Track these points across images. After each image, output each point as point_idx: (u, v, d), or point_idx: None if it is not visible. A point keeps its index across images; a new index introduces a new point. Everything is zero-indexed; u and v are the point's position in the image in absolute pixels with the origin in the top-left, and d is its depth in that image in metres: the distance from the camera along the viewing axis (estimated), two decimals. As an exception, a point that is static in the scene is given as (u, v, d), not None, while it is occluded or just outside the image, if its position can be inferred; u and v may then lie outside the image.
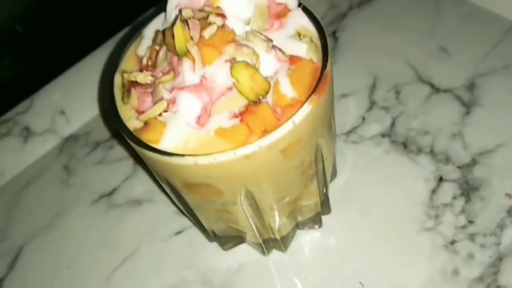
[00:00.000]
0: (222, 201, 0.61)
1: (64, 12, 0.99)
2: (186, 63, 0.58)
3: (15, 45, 0.96)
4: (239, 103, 0.57)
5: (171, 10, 0.63)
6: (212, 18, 0.58)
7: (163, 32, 0.61)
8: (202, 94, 0.58)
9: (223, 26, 0.58)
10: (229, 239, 0.74)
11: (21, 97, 1.00)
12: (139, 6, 1.03)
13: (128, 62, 0.66)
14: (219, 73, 0.58)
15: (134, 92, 0.62)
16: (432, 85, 0.86)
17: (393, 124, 0.83)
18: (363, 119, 0.85)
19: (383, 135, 0.82)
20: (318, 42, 0.61)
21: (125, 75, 0.62)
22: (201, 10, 0.60)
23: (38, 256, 0.81)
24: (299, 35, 0.62)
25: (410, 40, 0.93)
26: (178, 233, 0.80)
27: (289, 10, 0.64)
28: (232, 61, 0.58)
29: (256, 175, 0.57)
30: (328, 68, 0.58)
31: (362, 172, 0.79)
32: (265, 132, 0.55)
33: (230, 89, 0.58)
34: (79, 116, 0.98)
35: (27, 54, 0.98)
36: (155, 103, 0.60)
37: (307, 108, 0.55)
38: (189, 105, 0.58)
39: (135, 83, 0.62)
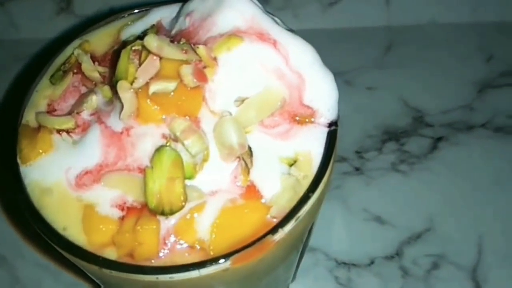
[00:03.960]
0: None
1: None
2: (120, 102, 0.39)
3: None
4: (137, 195, 0.39)
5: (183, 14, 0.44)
6: (185, 69, 0.38)
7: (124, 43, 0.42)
8: (111, 149, 0.40)
9: (195, 88, 0.39)
10: None
11: None
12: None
13: (99, 38, 0.48)
14: (144, 141, 0.39)
15: (70, 76, 0.45)
16: None
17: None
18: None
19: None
20: (303, 189, 0.40)
21: (78, 52, 0.45)
22: (187, 42, 0.40)
23: None
24: (292, 163, 0.41)
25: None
26: None
27: (312, 122, 0.42)
28: (169, 140, 0.39)
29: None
30: (278, 236, 0.37)
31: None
32: (131, 257, 0.38)
33: (141, 171, 0.39)
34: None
35: None
36: (70, 112, 0.43)
37: (203, 269, 0.36)
38: (90, 149, 0.40)
39: (79, 68, 0.45)
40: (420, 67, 0.80)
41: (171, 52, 0.38)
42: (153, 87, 0.37)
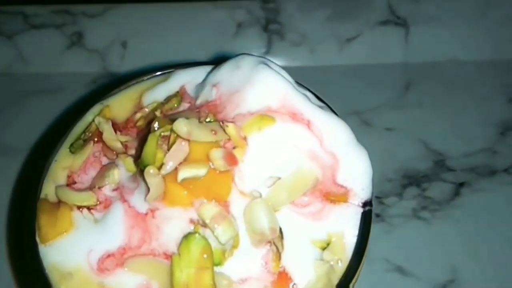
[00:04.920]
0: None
1: None
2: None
3: None
4: (163, 282, 0.37)
5: (207, 84, 0.42)
6: (216, 153, 0.36)
7: (148, 117, 0.40)
8: (135, 231, 0.38)
9: (225, 172, 0.37)
10: None
11: None
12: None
13: (120, 103, 0.46)
14: (171, 225, 0.37)
15: (91, 145, 0.43)
16: None
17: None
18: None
19: None
20: (338, 276, 0.38)
21: (99, 120, 0.43)
22: (215, 118, 0.38)
23: None
24: (325, 247, 0.39)
25: None
26: None
27: (346, 201, 0.40)
28: (197, 225, 0.37)
29: None
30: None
31: None
32: None
33: (167, 256, 0.37)
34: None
35: None
36: (91, 187, 0.41)
37: None
38: (113, 230, 0.38)
39: (99, 137, 0.43)
40: (440, 106, 0.78)
41: (201, 135, 0.36)
42: (182, 174, 0.35)
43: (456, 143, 0.75)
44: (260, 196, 0.38)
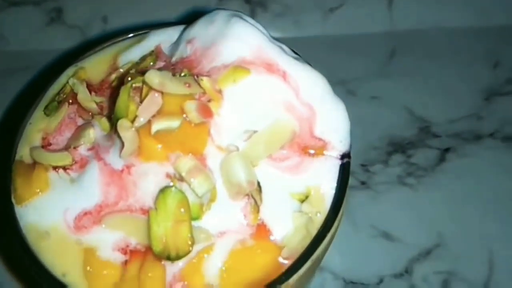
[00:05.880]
0: None
1: None
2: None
3: None
4: (140, 237, 0.37)
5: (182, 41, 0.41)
6: (189, 105, 0.36)
7: (123, 76, 0.40)
8: (111, 188, 0.37)
9: (200, 124, 0.36)
10: None
11: None
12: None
13: (95, 65, 0.45)
14: (147, 180, 0.37)
15: (66, 107, 0.42)
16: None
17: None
18: None
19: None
20: (316, 227, 0.37)
21: (73, 81, 0.43)
22: (189, 73, 0.37)
23: None
24: (303, 199, 0.38)
25: None
26: None
27: (323, 154, 0.39)
28: (173, 180, 0.36)
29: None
30: (291, 280, 0.35)
31: None
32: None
33: (144, 212, 0.37)
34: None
35: None
36: (66, 147, 0.40)
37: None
38: (89, 188, 0.38)
39: (74, 98, 0.43)
40: (425, 74, 0.77)
41: (174, 87, 0.35)
42: (156, 126, 0.35)
43: (441, 110, 0.74)
44: (237, 149, 0.37)
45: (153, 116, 0.35)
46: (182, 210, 0.35)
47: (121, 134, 0.35)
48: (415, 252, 0.65)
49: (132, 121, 0.35)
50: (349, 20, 0.82)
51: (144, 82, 0.35)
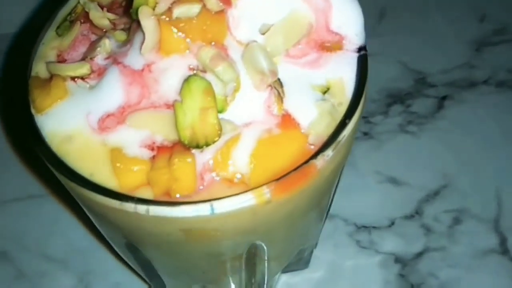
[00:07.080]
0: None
1: None
2: (139, 35, 0.37)
3: None
4: (166, 132, 0.36)
5: None
6: (208, -6, 0.36)
7: None
8: (133, 88, 0.37)
9: (219, 12, 0.36)
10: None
11: None
12: None
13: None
14: (169, 75, 0.37)
15: (78, 26, 0.42)
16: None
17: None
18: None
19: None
20: (340, 116, 0.38)
21: (84, 0, 0.43)
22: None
23: None
24: (325, 91, 0.39)
25: None
26: None
27: (341, 48, 0.40)
28: (196, 71, 0.36)
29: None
30: (320, 162, 0.35)
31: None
32: (167, 195, 0.35)
33: (168, 106, 0.37)
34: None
35: None
36: (83, 58, 0.40)
37: (244, 201, 0.34)
38: (110, 91, 0.38)
39: (86, 17, 0.43)
40: (415, 31, 0.79)
41: (193, -24, 0.36)
42: (176, 11, 0.35)
43: (435, 61, 0.76)
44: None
45: (173, 3, 0.35)
46: (208, 97, 0.35)
47: (142, 23, 0.35)
48: (423, 194, 0.65)
49: (153, 8, 0.35)
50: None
51: (163, -32, 0.35)
